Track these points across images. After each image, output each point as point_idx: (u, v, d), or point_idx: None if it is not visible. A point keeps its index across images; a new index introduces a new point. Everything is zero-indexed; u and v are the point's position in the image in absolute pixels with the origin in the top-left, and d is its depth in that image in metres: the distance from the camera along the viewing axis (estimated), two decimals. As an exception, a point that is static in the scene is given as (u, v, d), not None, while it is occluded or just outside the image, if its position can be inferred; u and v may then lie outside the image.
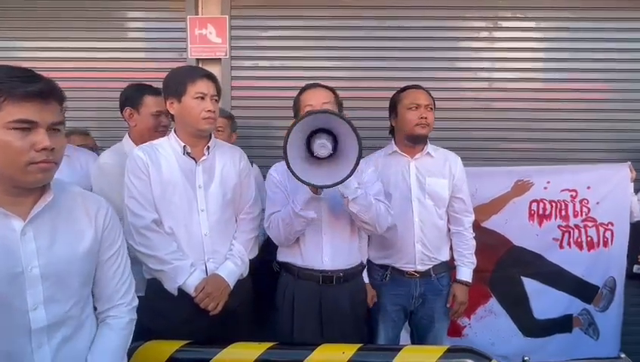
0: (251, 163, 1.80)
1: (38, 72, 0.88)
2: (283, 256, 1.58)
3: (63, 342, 0.94)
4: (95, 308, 1.06)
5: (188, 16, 2.30)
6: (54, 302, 0.92)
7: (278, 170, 1.55)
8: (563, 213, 2.08)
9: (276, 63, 2.35)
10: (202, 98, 1.41)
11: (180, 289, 1.39)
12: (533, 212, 2.08)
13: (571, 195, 2.08)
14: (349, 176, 1.21)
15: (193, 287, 1.38)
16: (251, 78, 2.36)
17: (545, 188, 2.08)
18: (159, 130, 1.72)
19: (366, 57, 2.33)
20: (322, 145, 1.20)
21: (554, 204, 2.08)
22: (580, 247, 2.10)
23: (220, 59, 2.33)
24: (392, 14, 2.31)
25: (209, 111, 1.41)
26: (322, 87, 1.52)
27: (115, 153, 1.68)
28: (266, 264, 1.79)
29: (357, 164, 1.20)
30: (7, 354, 0.87)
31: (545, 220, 2.09)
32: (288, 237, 1.47)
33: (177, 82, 1.42)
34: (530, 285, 2.11)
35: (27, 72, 0.86)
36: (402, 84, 1.81)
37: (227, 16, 2.31)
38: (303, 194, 1.36)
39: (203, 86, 1.41)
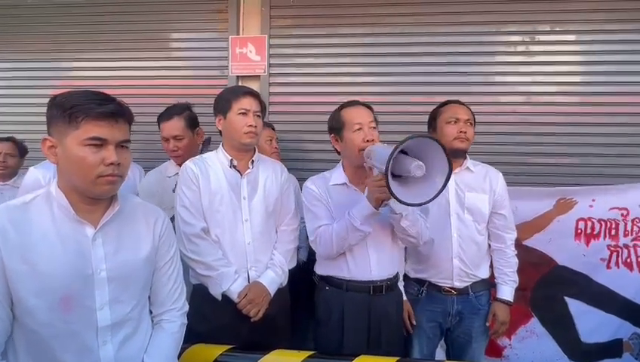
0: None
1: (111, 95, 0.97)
2: (325, 269, 1.55)
3: (124, 341, 1.01)
4: (150, 312, 1.12)
5: (230, 36, 2.44)
6: (118, 303, 1.00)
7: (316, 184, 1.54)
8: (613, 232, 1.98)
9: (312, 79, 2.42)
10: (245, 114, 1.49)
11: (224, 295, 1.45)
12: (580, 231, 2.00)
13: (622, 214, 1.98)
14: (437, 195, 1.24)
15: (237, 293, 1.44)
16: (288, 93, 2.44)
17: (590, 206, 2.00)
18: (171, 154, 1.87)
19: (401, 73, 2.35)
20: (419, 167, 1.22)
21: (603, 223, 1.99)
22: (630, 268, 1.98)
23: (259, 76, 2.43)
24: (428, 30, 2.33)
25: (250, 125, 1.49)
26: (363, 105, 1.53)
27: (157, 173, 1.91)
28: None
29: (445, 185, 1.23)
30: (80, 348, 0.95)
31: (593, 239, 1.99)
32: (339, 251, 1.46)
33: (224, 100, 1.53)
34: (575, 306, 2.01)
35: (101, 94, 0.96)
36: (439, 99, 1.82)
37: (266, 36, 2.42)
38: (362, 209, 1.36)
39: (246, 102, 1.50)
